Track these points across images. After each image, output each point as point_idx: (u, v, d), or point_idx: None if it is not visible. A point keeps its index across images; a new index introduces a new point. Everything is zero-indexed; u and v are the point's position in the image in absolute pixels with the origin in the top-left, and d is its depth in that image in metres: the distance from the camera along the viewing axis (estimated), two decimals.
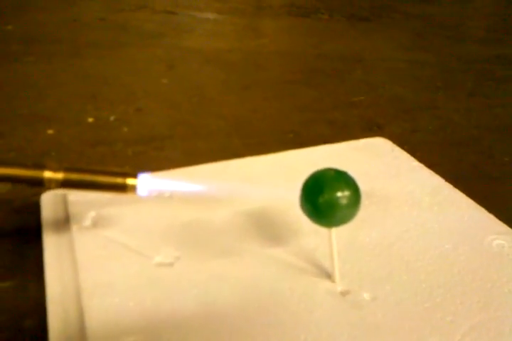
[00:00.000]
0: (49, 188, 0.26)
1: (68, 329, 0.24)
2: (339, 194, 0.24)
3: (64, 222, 0.30)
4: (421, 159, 0.41)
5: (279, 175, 0.36)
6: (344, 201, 0.23)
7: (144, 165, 0.41)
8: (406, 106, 0.56)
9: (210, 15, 0.81)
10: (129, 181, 0.27)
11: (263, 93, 0.56)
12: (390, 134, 0.46)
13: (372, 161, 0.40)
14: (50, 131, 0.45)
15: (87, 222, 0.30)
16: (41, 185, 0.26)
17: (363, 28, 0.81)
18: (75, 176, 0.26)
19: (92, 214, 0.31)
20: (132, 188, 0.27)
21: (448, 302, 0.27)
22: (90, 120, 0.48)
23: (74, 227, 0.30)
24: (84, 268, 0.27)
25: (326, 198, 0.23)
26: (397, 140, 0.44)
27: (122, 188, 0.27)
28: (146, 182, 0.27)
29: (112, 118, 0.48)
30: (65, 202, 0.32)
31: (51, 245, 0.29)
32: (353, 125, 0.51)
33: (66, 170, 0.26)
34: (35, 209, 0.33)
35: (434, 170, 0.39)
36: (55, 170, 0.26)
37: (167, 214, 0.31)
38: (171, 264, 0.28)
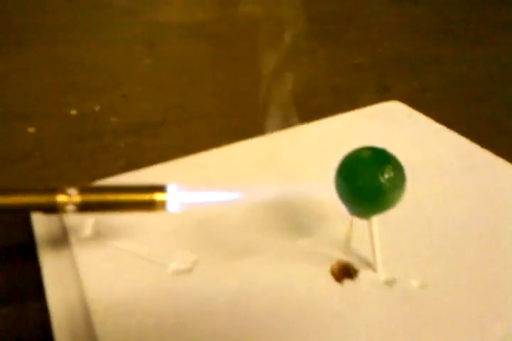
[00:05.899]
0: (65, 213, 0.22)
1: None
2: (384, 177, 0.20)
3: (60, 234, 0.26)
4: (436, 119, 0.38)
5: (298, 154, 0.33)
6: (389, 185, 0.20)
7: (140, 157, 0.37)
8: (410, 64, 0.52)
9: None
10: (158, 196, 0.23)
11: (256, 64, 0.52)
12: (399, 95, 0.43)
13: (391, 128, 0.36)
14: (31, 129, 0.41)
15: (87, 231, 0.26)
16: (55, 211, 0.22)
17: None
18: (93, 197, 0.22)
19: (91, 221, 0.27)
20: (161, 204, 0.23)
21: (507, 281, 0.24)
22: (73, 112, 0.43)
23: (72, 239, 0.26)
24: (90, 286, 0.23)
25: (367, 185, 0.20)
26: (408, 101, 0.41)
27: (150, 206, 0.23)
28: (176, 196, 0.23)
29: (96, 108, 0.44)
30: None
31: (49, 262, 0.25)
32: (358, 90, 0.47)
33: (83, 191, 0.22)
34: (26, 222, 0.29)
35: (451, 130, 0.36)
36: (69, 193, 0.22)
37: (175, 214, 0.27)
38: (189, 270, 0.24)
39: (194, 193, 0.23)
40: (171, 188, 0.23)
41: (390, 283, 0.24)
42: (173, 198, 0.22)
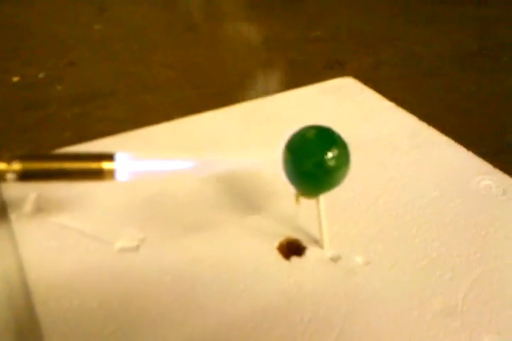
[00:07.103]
0: (5, 182, 0.21)
1: None
2: (328, 159, 0.20)
3: None
4: (387, 95, 0.38)
5: (251, 129, 0.32)
6: (334, 166, 0.20)
7: (88, 128, 0.36)
8: (366, 39, 0.52)
9: None
10: (106, 165, 0.21)
11: (211, 34, 0.50)
12: (353, 70, 0.43)
13: (343, 104, 0.36)
14: None
15: (28, 207, 0.25)
16: None
17: None
18: (35, 165, 0.21)
19: (33, 196, 0.26)
20: (110, 173, 0.22)
21: (445, 256, 0.25)
22: (15, 79, 0.41)
23: (12, 215, 0.25)
24: (31, 266, 0.22)
25: (312, 167, 0.20)
26: (361, 76, 0.41)
27: (98, 174, 0.22)
28: (125, 165, 0.22)
29: (41, 75, 0.42)
30: None
31: None
32: (313, 63, 0.47)
33: (22, 158, 0.21)
34: None
35: (402, 107, 0.37)
36: (8, 160, 0.21)
37: (123, 190, 0.26)
38: (135, 248, 0.24)
39: (143, 162, 0.22)
40: (119, 156, 0.22)
41: (335, 259, 0.24)
42: (122, 167, 0.22)
